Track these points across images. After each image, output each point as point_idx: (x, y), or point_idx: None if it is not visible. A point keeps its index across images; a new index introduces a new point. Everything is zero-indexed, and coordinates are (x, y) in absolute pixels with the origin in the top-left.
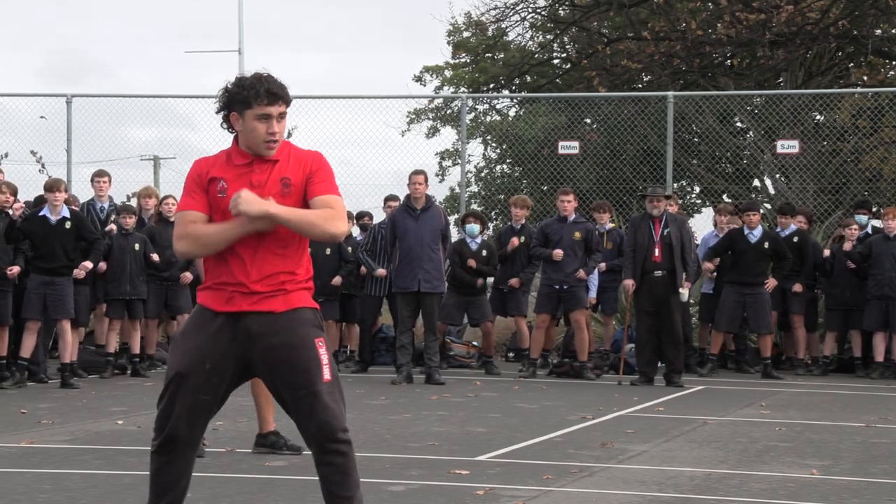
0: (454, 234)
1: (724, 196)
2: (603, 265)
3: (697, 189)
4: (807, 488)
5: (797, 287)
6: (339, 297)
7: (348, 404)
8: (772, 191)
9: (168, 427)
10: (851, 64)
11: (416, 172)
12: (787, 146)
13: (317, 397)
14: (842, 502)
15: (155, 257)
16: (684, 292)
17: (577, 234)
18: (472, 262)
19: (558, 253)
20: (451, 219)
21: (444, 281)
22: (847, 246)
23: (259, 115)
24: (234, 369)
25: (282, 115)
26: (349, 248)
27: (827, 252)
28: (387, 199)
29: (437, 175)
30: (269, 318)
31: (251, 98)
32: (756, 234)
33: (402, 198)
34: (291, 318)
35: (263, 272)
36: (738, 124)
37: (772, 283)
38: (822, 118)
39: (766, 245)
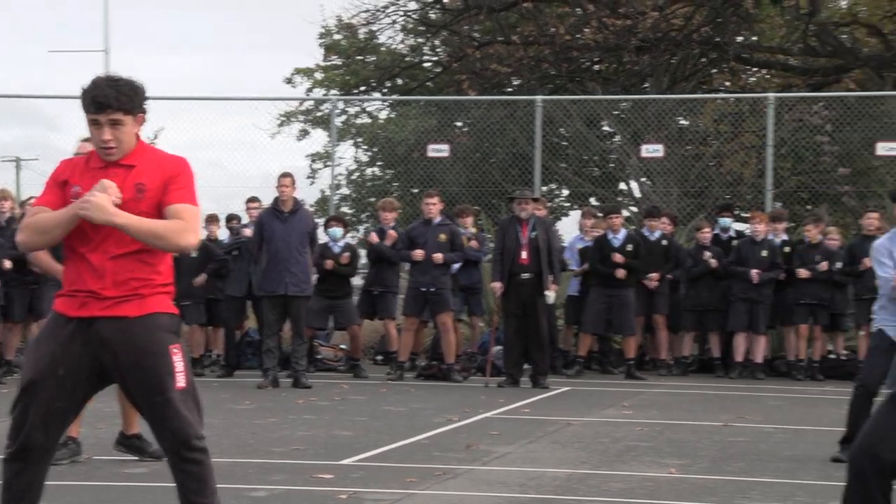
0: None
1: (592, 199)
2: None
3: (566, 192)
4: (665, 487)
5: (652, 282)
6: (205, 300)
7: (213, 409)
8: (637, 194)
9: (22, 435)
10: (714, 70)
11: (284, 175)
12: (652, 150)
13: (169, 404)
14: (698, 501)
15: (7, 263)
16: (551, 294)
17: (443, 237)
18: (329, 264)
19: (417, 253)
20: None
21: (312, 284)
22: (706, 254)
23: (91, 122)
24: (88, 375)
25: (115, 122)
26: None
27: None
28: (248, 201)
29: (307, 177)
30: (123, 324)
31: (83, 105)
32: (619, 237)
33: (266, 200)
34: (146, 323)
35: (118, 277)
36: (606, 128)
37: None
38: (687, 123)
39: (630, 248)
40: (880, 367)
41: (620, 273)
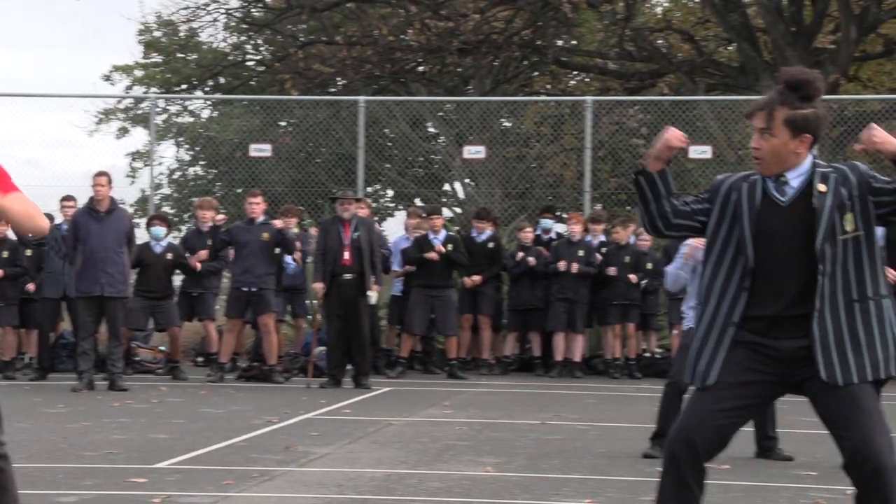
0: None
1: (417, 200)
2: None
3: (390, 192)
4: (481, 485)
5: (469, 281)
6: (17, 301)
7: (24, 413)
8: (461, 195)
9: None
10: (536, 73)
11: (99, 174)
12: (474, 152)
13: None
14: (513, 498)
15: None
16: (373, 295)
17: (265, 235)
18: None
19: (229, 252)
20: (141, 221)
21: (129, 285)
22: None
23: None
24: None
25: None
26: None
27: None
28: (62, 200)
29: (127, 176)
30: None
31: None
32: (439, 238)
33: (81, 199)
34: None
35: None
36: (430, 129)
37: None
38: (509, 124)
39: (449, 247)
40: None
41: (432, 255)
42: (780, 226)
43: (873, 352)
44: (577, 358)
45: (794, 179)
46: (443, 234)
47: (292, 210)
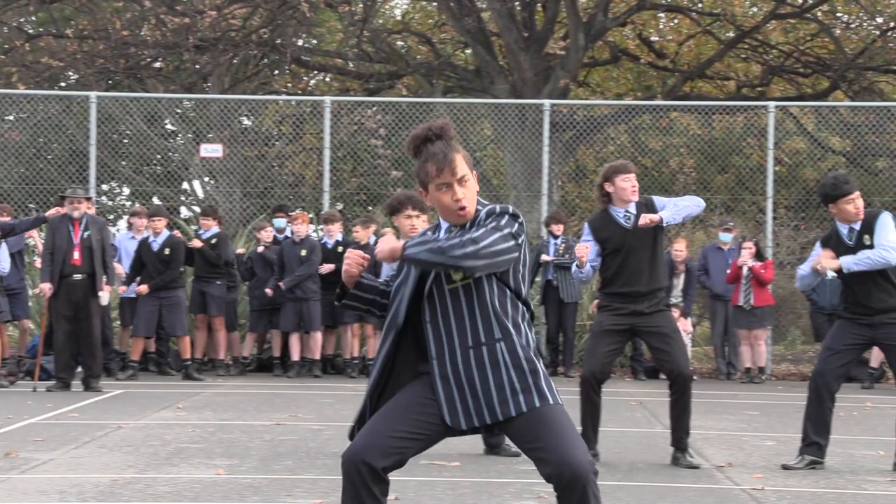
0: None
1: (154, 198)
2: None
3: (127, 191)
4: (211, 488)
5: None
6: None
7: None
8: (200, 194)
9: None
10: (276, 72)
11: None
12: (211, 150)
13: None
14: (243, 500)
15: None
16: (104, 296)
17: None
18: None
19: None
20: None
21: None
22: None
23: None
24: None
25: None
26: None
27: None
28: None
29: None
30: None
31: None
32: (159, 240)
33: None
34: None
35: None
36: (168, 127)
37: (143, 289)
38: (249, 123)
39: (167, 252)
40: None
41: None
42: None
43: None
44: (316, 356)
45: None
46: (163, 235)
47: (6, 209)
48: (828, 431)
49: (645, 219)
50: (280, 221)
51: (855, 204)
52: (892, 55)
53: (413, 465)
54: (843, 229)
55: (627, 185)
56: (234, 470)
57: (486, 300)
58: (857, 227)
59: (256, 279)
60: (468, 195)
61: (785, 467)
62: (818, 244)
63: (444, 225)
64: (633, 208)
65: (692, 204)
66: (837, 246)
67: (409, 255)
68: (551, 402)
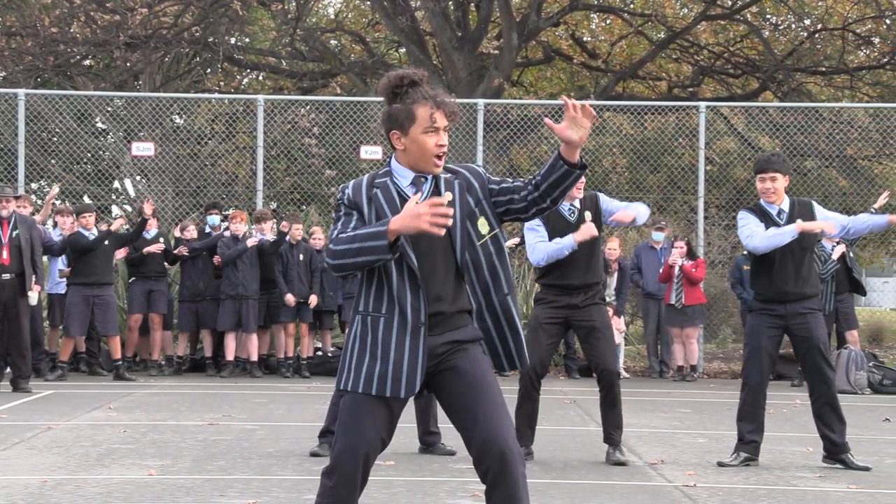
0: None
1: (85, 197)
2: None
3: (57, 189)
4: (143, 489)
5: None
6: None
7: None
8: (132, 193)
9: None
10: (209, 70)
11: None
12: (143, 149)
13: None
14: (175, 501)
15: None
16: (33, 295)
17: None
18: None
19: None
20: None
21: None
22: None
23: None
24: None
25: None
26: None
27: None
28: None
29: None
30: None
31: None
32: (92, 233)
33: None
34: None
35: None
36: (99, 125)
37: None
38: (182, 121)
39: (107, 243)
40: None
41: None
42: None
43: (505, 344)
44: (254, 357)
45: (429, 180)
46: (96, 229)
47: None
48: (761, 429)
49: (627, 218)
50: (214, 218)
51: (765, 185)
52: (820, 57)
53: None
54: (772, 210)
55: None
56: (167, 470)
57: (504, 252)
58: (786, 209)
59: (187, 276)
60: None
61: (720, 464)
62: (750, 214)
63: (406, 174)
64: (577, 203)
65: (644, 211)
66: (767, 222)
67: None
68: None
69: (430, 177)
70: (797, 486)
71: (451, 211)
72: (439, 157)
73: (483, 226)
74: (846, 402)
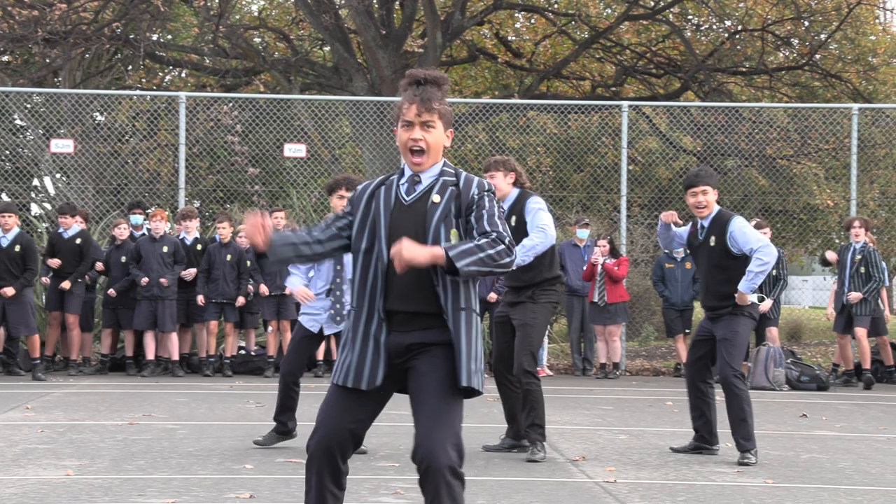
0: None
1: (3, 195)
2: None
3: None
4: (60, 489)
5: (65, 284)
6: None
7: None
8: (52, 191)
9: None
10: (130, 67)
11: None
12: (62, 146)
13: None
14: (93, 501)
15: None
16: None
17: None
18: None
19: None
20: None
21: None
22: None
23: None
24: None
25: None
26: None
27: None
28: None
29: None
30: None
31: None
32: (9, 237)
33: None
34: None
35: None
36: (18, 122)
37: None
38: (103, 118)
39: (17, 248)
40: (302, 355)
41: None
42: (405, 224)
43: (465, 361)
44: (175, 356)
45: (427, 179)
46: (13, 232)
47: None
48: (708, 420)
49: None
50: (137, 218)
51: (697, 199)
52: (740, 57)
53: (270, 462)
54: (698, 224)
55: (493, 182)
56: (85, 470)
57: None
58: (706, 224)
59: (112, 276)
60: (429, 141)
61: (673, 450)
62: (680, 230)
63: (407, 173)
64: (505, 204)
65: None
66: (693, 240)
67: (465, 272)
68: None
69: (427, 176)
70: (715, 482)
71: (267, 223)
72: (414, 153)
73: (454, 237)
74: (765, 399)
